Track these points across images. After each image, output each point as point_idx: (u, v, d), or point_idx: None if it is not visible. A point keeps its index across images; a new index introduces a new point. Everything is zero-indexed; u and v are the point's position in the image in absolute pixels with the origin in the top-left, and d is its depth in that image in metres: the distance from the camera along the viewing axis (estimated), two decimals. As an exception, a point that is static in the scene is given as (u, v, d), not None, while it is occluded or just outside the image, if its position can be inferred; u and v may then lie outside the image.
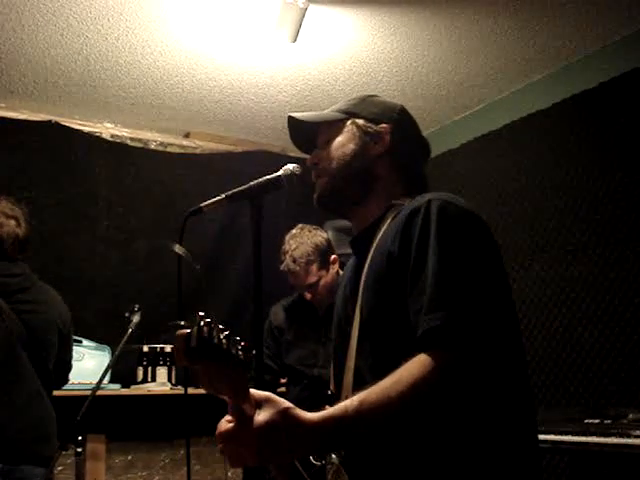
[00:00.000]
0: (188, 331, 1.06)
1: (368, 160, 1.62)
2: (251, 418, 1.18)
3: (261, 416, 1.18)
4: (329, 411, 1.23)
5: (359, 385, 1.36)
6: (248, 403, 1.18)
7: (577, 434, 3.00)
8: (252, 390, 1.20)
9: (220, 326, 1.11)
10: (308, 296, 3.24)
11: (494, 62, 4.12)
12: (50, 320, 3.04)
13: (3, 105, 4.47)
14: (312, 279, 3.19)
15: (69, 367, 3.26)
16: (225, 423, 1.22)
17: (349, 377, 1.47)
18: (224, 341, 1.10)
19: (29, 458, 2.81)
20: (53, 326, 3.05)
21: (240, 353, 1.14)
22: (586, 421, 3.10)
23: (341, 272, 3.25)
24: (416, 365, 1.23)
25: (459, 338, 1.24)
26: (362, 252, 1.56)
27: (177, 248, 1.72)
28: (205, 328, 1.07)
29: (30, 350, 2.92)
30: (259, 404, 1.20)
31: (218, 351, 1.09)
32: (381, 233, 1.51)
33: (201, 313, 1.08)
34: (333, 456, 1.48)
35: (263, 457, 1.19)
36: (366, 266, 1.50)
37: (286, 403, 1.22)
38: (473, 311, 1.27)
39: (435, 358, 1.22)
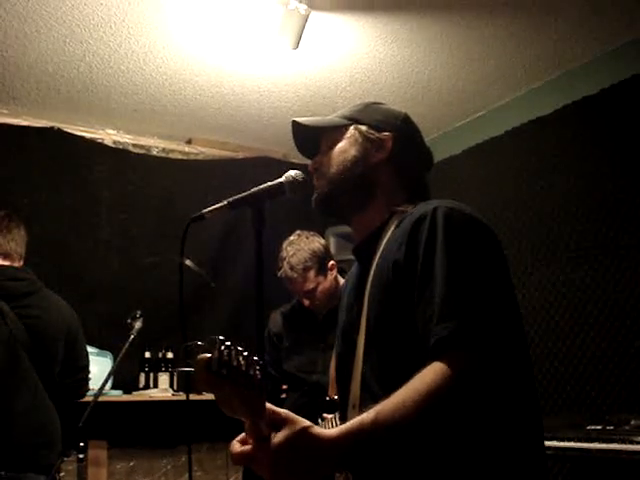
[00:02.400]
0: (209, 356, 1.07)
1: (369, 166, 1.61)
2: (267, 438, 1.17)
3: (278, 437, 1.17)
4: (345, 426, 1.22)
5: (366, 393, 1.36)
6: (264, 423, 1.18)
7: (579, 440, 3.00)
8: (269, 407, 1.19)
9: (239, 348, 1.12)
10: (306, 302, 3.24)
11: (495, 69, 4.13)
12: (54, 326, 3.04)
13: (5, 111, 4.48)
14: (309, 285, 3.19)
15: (85, 375, 3.23)
16: (238, 445, 1.23)
17: (356, 385, 1.46)
18: (243, 363, 1.11)
19: (32, 465, 2.80)
20: (57, 332, 3.04)
21: (258, 374, 1.14)
22: (588, 427, 3.10)
23: (340, 278, 3.26)
24: (430, 374, 1.22)
25: (471, 346, 1.24)
26: (366, 260, 1.55)
27: (188, 262, 1.73)
28: (226, 352, 1.08)
29: (33, 356, 2.92)
30: (276, 424, 1.19)
31: (238, 375, 1.10)
32: (385, 240, 1.50)
33: (221, 337, 1.09)
34: None
35: (280, 478, 1.18)
36: (371, 274, 1.49)
37: (304, 422, 1.20)
38: (484, 319, 1.26)
39: (449, 366, 1.22)
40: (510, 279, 1.41)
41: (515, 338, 1.34)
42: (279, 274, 3.20)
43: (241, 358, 1.11)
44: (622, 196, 3.66)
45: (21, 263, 3.14)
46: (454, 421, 1.24)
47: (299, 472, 1.18)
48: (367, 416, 1.22)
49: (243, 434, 1.24)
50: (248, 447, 1.20)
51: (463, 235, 1.36)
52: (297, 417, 1.21)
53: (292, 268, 3.15)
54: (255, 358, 1.15)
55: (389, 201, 1.60)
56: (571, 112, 4.03)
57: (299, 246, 3.20)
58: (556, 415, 3.59)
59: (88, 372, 3.25)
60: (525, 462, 1.35)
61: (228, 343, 1.09)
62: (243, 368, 1.11)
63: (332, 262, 3.27)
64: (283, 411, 1.21)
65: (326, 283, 3.22)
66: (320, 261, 3.21)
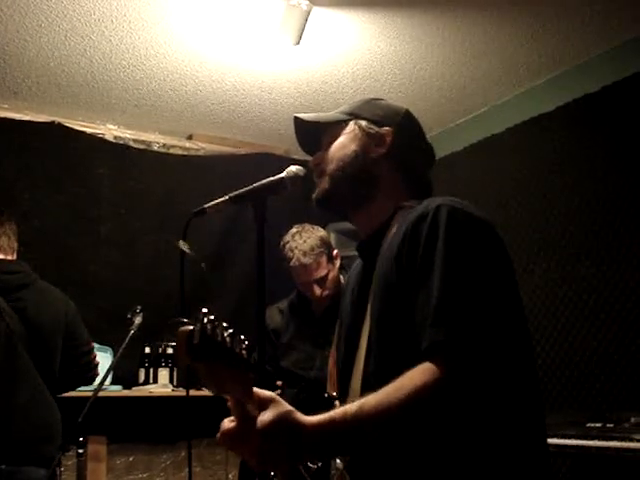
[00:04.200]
0: (191, 328, 1.03)
1: (368, 161, 1.61)
2: (254, 418, 1.17)
3: (264, 417, 1.17)
4: (329, 414, 1.23)
5: (367, 390, 1.36)
6: (251, 403, 1.17)
7: (579, 438, 3.00)
8: (256, 390, 1.19)
9: (224, 324, 1.09)
10: (318, 291, 3.20)
11: (497, 65, 4.12)
12: (51, 318, 3.03)
13: (6, 106, 4.47)
14: (322, 272, 3.18)
15: (90, 359, 3.22)
16: (228, 422, 1.21)
17: (357, 381, 1.46)
18: (227, 339, 1.09)
19: (32, 459, 2.80)
20: (54, 324, 3.04)
21: (244, 352, 1.12)
22: (588, 425, 3.10)
23: (341, 274, 3.25)
24: (418, 374, 1.23)
25: (463, 352, 1.24)
26: (370, 256, 1.55)
27: (182, 244, 1.72)
28: (208, 326, 1.04)
29: (31, 349, 2.91)
30: (262, 405, 1.19)
31: (221, 350, 1.07)
32: (389, 237, 1.50)
33: (204, 310, 1.05)
34: (338, 462, 1.47)
35: (264, 458, 1.18)
36: (375, 271, 1.49)
37: (289, 406, 1.21)
38: (478, 325, 1.26)
39: (438, 368, 1.22)
40: (514, 280, 1.40)
41: (515, 341, 1.33)
42: (291, 264, 3.18)
43: (225, 334, 1.08)
44: (624, 193, 3.65)
45: (14, 257, 3.14)
46: (440, 422, 1.25)
47: (283, 453, 1.18)
48: (350, 407, 1.23)
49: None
50: (233, 425, 1.19)
51: (464, 235, 1.35)
52: (283, 401, 1.22)
53: (305, 254, 3.14)
54: (242, 337, 1.13)
55: (391, 196, 1.60)
56: (573, 110, 4.02)
57: (307, 234, 3.20)
58: (556, 412, 3.59)
59: (94, 356, 3.24)
60: (524, 464, 1.34)
61: (212, 317, 1.05)
62: (228, 345, 1.08)
63: (336, 251, 3.28)
64: (269, 393, 1.21)
65: (335, 271, 3.23)
66: (328, 248, 3.22)
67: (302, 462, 1.35)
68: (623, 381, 3.50)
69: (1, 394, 2.79)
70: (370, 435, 1.23)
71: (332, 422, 1.21)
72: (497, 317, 1.29)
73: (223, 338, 1.08)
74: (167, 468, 4.59)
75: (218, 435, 1.21)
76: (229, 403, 1.19)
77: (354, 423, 1.21)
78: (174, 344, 4.45)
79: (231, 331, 1.10)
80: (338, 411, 1.23)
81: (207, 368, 1.07)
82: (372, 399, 1.23)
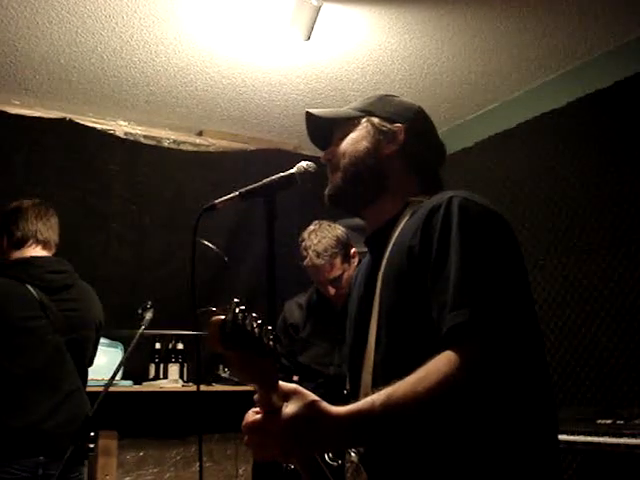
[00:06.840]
0: (223, 317, 1.07)
1: (381, 159, 1.61)
2: (279, 409, 1.18)
3: (289, 408, 1.18)
4: (356, 405, 1.23)
5: (378, 382, 1.36)
6: (276, 394, 1.18)
7: (589, 434, 2.99)
8: (281, 382, 1.20)
9: (253, 314, 1.12)
10: (332, 291, 3.18)
11: (508, 61, 4.11)
12: (90, 318, 3.08)
13: (17, 102, 4.49)
14: (336, 272, 3.14)
15: (91, 363, 3.28)
16: (252, 414, 1.23)
17: (368, 374, 1.46)
18: (257, 330, 1.12)
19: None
20: (92, 324, 3.09)
21: (271, 343, 1.14)
22: (598, 421, 3.10)
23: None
24: (443, 361, 1.22)
25: (484, 334, 1.24)
26: (378, 250, 1.55)
27: (202, 242, 1.74)
28: (240, 315, 1.08)
29: (72, 347, 2.95)
30: (287, 396, 1.20)
31: (251, 339, 1.10)
32: (399, 230, 1.50)
33: (236, 300, 1.09)
34: (352, 454, 1.47)
35: (288, 449, 1.19)
36: (384, 263, 1.49)
37: (313, 396, 1.22)
38: (497, 308, 1.26)
39: (461, 354, 1.22)
40: (525, 270, 1.40)
41: (528, 328, 1.33)
42: (304, 263, 3.16)
43: (255, 324, 1.12)
44: (636, 188, 3.64)
45: (54, 251, 3.17)
46: (465, 410, 1.25)
47: (308, 443, 1.19)
48: (378, 397, 1.22)
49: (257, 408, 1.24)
50: (258, 417, 1.20)
51: (477, 225, 1.36)
52: (307, 391, 1.23)
53: (319, 255, 3.11)
54: (269, 327, 1.15)
55: (402, 192, 1.60)
56: (585, 105, 4.00)
57: (323, 234, 3.17)
58: (566, 408, 3.58)
59: (92, 363, 3.30)
60: (538, 451, 1.35)
61: (243, 307, 1.09)
62: (256, 334, 1.11)
63: (354, 250, 3.24)
64: (292, 385, 1.23)
65: (350, 271, 3.16)
66: (344, 248, 3.17)
67: (326, 452, 1.36)
68: (634, 377, 3.49)
69: (45, 391, 2.82)
70: (398, 426, 1.23)
71: (360, 412, 1.22)
72: (513, 304, 1.30)
73: (253, 328, 1.11)
74: (177, 463, 4.61)
75: (242, 425, 1.23)
76: (255, 395, 1.20)
77: (382, 413, 1.21)
78: (194, 333, 4.44)
79: (260, 321, 1.13)
80: (365, 401, 1.23)
81: (238, 357, 1.10)
82: (399, 389, 1.22)
